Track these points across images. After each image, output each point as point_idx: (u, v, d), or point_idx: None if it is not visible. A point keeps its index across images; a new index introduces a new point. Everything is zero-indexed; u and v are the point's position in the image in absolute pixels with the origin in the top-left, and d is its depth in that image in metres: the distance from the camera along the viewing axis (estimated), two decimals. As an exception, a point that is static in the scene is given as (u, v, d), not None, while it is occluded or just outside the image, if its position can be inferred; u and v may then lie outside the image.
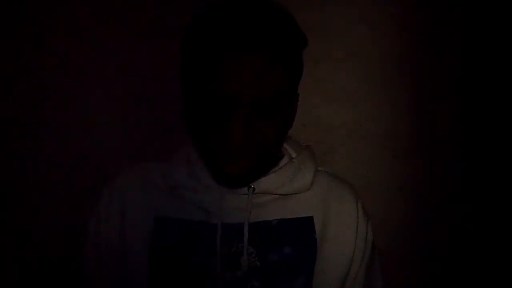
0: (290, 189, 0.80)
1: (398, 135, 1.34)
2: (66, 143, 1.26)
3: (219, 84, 0.66)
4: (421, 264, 1.35)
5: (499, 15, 1.32)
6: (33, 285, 1.25)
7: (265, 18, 0.68)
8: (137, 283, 0.77)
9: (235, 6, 0.68)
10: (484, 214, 1.34)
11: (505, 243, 1.33)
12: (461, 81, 1.34)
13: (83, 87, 1.27)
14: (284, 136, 0.77)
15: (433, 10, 1.33)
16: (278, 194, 0.80)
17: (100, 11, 1.26)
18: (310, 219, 0.80)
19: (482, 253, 1.34)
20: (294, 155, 0.84)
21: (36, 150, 1.26)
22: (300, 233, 0.79)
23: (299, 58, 0.74)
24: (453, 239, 1.35)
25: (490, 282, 1.33)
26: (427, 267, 1.35)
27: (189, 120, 0.74)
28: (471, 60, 1.33)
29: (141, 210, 0.80)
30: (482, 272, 1.33)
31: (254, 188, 0.77)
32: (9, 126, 1.25)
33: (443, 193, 1.35)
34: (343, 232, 0.81)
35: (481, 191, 1.34)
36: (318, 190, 0.82)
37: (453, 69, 1.34)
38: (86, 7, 1.25)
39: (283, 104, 0.70)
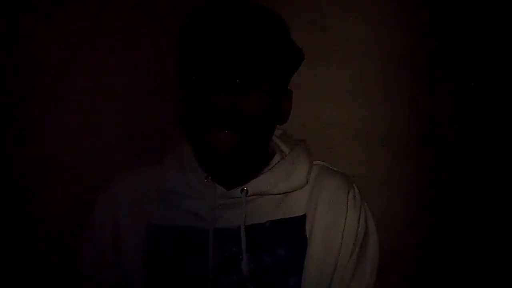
0: (284, 188, 0.78)
1: (398, 135, 1.34)
2: (65, 144, 1.26)
3: (204, 58, 0.70)
4: (421, 264, 1.35)
5: (499, 15, 1.31)
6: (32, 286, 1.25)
7: (247, 8, 0.74)
8: None
9: (225, 5, 0.75)
10: (484, 213, 1.34)
11: (505, 243, 1.33)
12: (461, 81, 1.34)
13: (83, 87, 1.26)
14: (270, 121, 0.76)
15: (433, 10, 1.33)
16: (273, 194, 0.78)
17: (99, 11, 1.26)
18: (302, 218, 0.78)
19: (482, 252, 1.34)
20: (287, 151, 0.82)
21: (35, 150, 1.25)
22: (292, 233, 0.77)
23: (283, 43, 0.76)
24: (453, 239, 1.35)
25: (490, 281, 1.33)
26: (428, 267, 1.35)
27: (180, 108, 0.74)
28: (471, 60, 1.33)
29: (134, 218, 0.79)
30: (483, 272, 1.33)
31: (247, 190, 0.76)
32: (7, 126, 1.25)
33: (443, 193, 1.35)
34: (331, 226, 0.78)
35: (481, 190, 1.34)
36: (310, 185, 0.80)
37: (453, 69, 1.34)
38: (86, 6, 1.25)
39: (265, 80, 0.72)
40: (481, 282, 1.33)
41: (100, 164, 1.24)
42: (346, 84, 1.32)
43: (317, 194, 0.80)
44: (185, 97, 0.72)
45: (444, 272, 1.35)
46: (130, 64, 1.26)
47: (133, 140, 1.28)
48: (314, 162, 0.83)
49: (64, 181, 1.25)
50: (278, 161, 0.80)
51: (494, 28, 1.32)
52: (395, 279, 1.20)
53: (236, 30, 0.71)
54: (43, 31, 1.24)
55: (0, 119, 1.24)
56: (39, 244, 1.25)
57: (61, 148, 1.26)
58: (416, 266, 1.34)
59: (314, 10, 1.29)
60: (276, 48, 0.74)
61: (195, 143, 0.74)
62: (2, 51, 1.24)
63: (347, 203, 0.80)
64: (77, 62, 1.25)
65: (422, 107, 1.34)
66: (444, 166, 1.35)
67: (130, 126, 1.28)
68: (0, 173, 1.25)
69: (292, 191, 0.79)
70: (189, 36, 0.73)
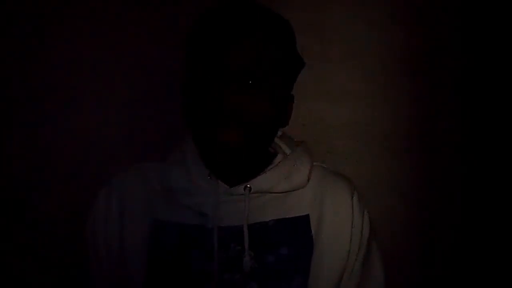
0: (286, 187, 0.79)
1: (398, 135, 1.34)
2: (66, 143, 1.26)
3: (218, 57, 0.71)
4: (421, 264, 1.35)
5: (499, 15, 1.32)
6: (34, 286, 1.25)
7: (261, 12, 0.76)
8: (135, 286, 0.77)
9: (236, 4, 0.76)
10: (484, 214, 1.34)
11: (505, 243, 1.33)
12: (461, 81, 1.34)
13: (84, 87, 1.26)
14: (275, 124, 0.77)
15: (433, 10, 1.33)
16: (275, 193, 0.79)
17: (101, 12, 1.26)
18: (306, 218, 0.79)
19: (482, 253, 1.34)
20: (288, 152, 0.83)
21: (37, 150, 1.26)
22: (296, 233, 0.78)
23: (291, 49, 0.78)
24: (453, 239, 1.35)
25: (490, 282, 1.33)
26: (427, 267, 1.35)
27: (188, 105, 0.74)
28: (471, 60, 1.33)
29: (138, 213, 0.79)
30: (482, 272, 1.33)
31: (250, 188, 0.77)
32: (9, 125, 1.25)
33: (442, 193, 1.35)
34: (338, 228, 0.80)
35: (480, 191, 1.34)
36: (313, 186, 0.82)
37: (453, 69, 1.34)
38: (89, 6, 1.25)
39: (276, 84, 0.73)
40: (481, 282, 1.34)
41: (101, 164, 1.24)
42: (346, 84, 1.32)
43: (321, 196, 0.81)
44: (194, 95, 0.73)
45: (444, 272, 1.35)
46: (131, 64, 1.26)
47: (134, 140, 1.28)
48: (314, 163, 0.84)
49: (65, 181, 1.26)
50: (280, 161, 0.81)
51: (494, 28, 1.32)
52: (395, 279, 1.20)
53: (251, 31, 0.72)
54: (44, 31, 1.25)
55: (2, 119, 1.24)
56: (41, 243, 1.25)
57: (62, 148, 1.26)
58: (416, 266, 1.34)
59: (314, 10, 1.30)
60: (286, 52, 0.76)
61: (201, 141, 0.75)
62: (3, 52, 1.24)
63: (353, 206, 0.82)
64: (79, 62, 1.26)
65: (422, 107, 1.34)
66: (444, 166, 1.35)
67: (131, 126, 1.28)
68: (1, 173, 1.25)
69: (294, 190, 0.80)
70: (202, 36, 0.74)
